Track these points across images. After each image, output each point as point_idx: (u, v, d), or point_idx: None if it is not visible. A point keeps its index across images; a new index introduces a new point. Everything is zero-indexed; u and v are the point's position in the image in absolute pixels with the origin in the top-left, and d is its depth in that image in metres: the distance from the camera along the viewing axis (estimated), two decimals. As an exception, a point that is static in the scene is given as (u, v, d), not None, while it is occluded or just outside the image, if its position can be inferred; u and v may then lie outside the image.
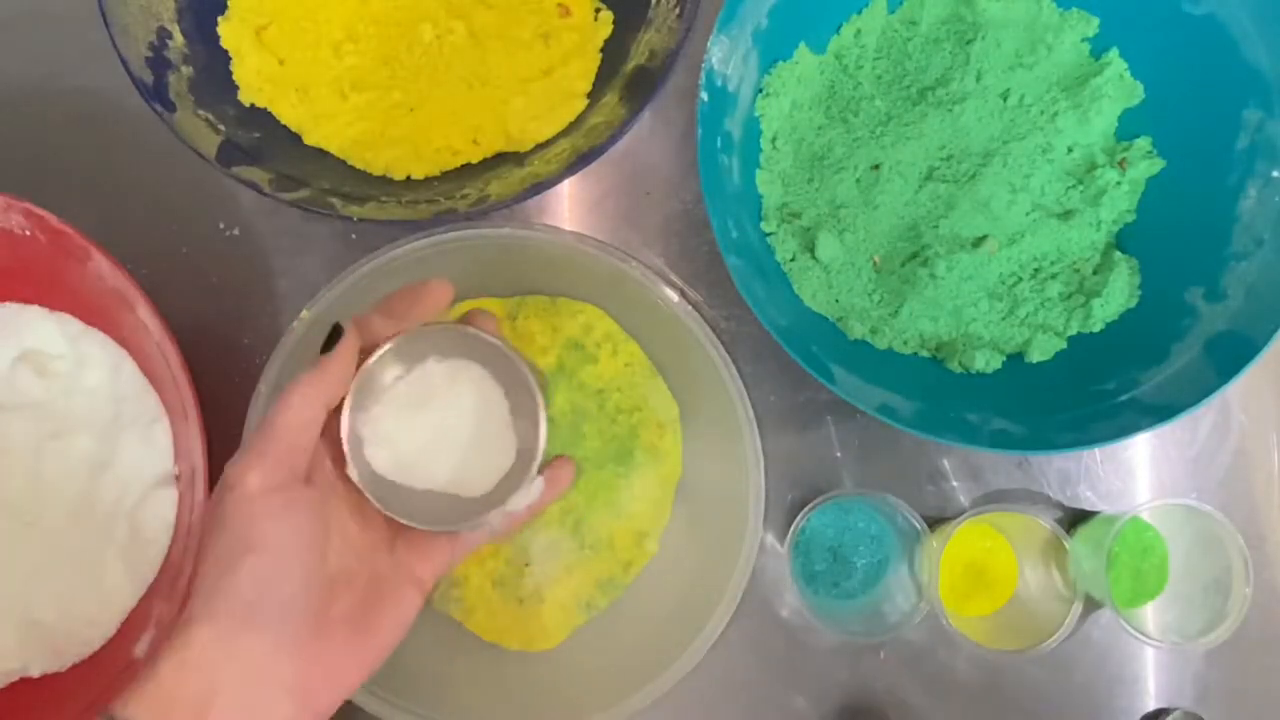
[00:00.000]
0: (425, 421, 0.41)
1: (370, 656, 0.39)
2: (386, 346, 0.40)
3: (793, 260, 0.55)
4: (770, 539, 0.57)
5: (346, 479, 0.40)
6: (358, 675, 0.39)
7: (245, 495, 0.36)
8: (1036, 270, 0.55)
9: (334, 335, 0.39)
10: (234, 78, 0.56)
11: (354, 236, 0.59)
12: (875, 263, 0.56)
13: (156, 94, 0.51)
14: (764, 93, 0.55)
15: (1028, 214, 0.55)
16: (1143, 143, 0.55)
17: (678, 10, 0.53)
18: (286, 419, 0.38)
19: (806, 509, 0.55)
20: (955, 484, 0.58)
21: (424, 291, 0.41)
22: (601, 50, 0.58)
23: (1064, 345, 0.54)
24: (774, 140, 0.55)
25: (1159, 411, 0.49)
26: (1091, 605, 0.56)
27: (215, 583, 0.36)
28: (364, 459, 0.40)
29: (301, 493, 0.38)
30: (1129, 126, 0.56)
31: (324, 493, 0.39)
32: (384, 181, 0.56)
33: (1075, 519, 0.58)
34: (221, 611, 0.35)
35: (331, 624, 0.38)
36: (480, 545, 0.44)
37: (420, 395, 0.41)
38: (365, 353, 0.40)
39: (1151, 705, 0.57)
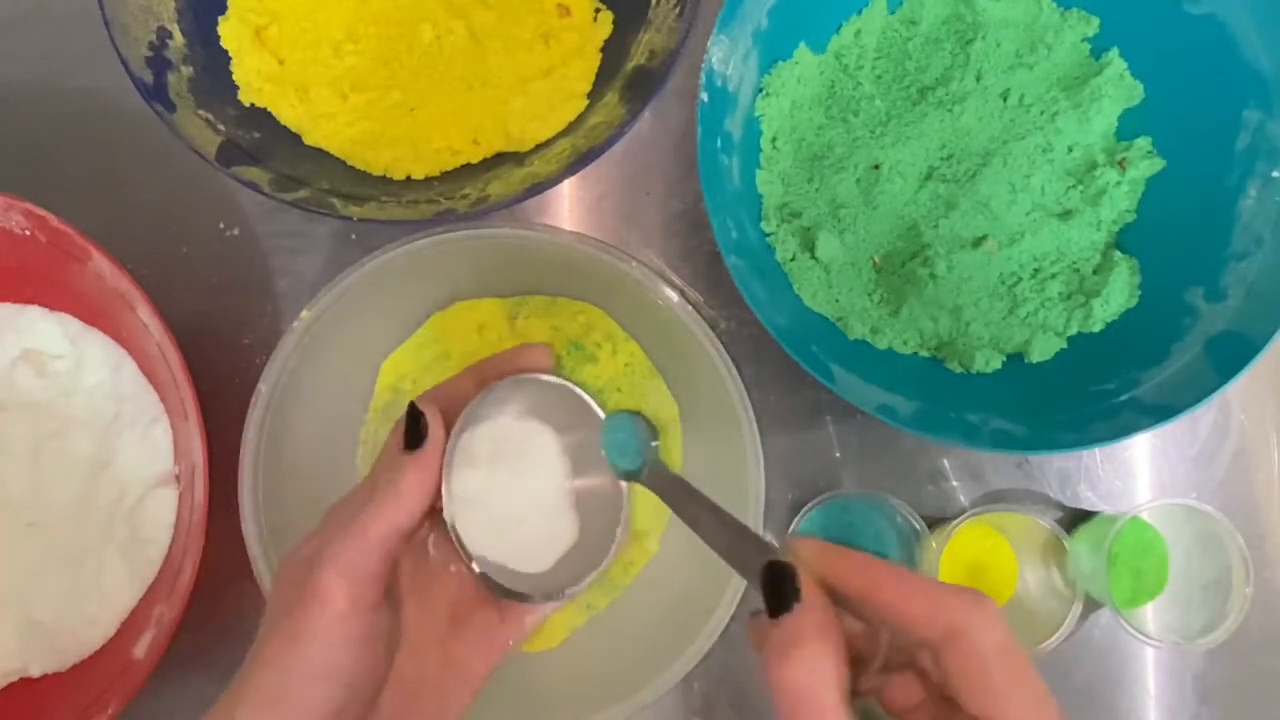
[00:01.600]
0: (509, 483, 0.39)
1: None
2: (471, 405, 0.38)
3: (793, 260, 0.55)
4: (771, 539, 0.57)
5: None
6: None
7: (335, 614, 0.33)
8: (1036, 270, 0.55)
9: (415, 421, 0.36)
10: (234, 78, 0.56)
11: (354, 236, 0.59)
12: (875, 262, 0.56)
13: (156, 94, 0.51)
14: (764, 93, 0.55)
15: (1028, 214, 0.55)
16: (1143, 143, 0.55)
17: (678, 10, 0.53)
18: (392, 523, 0.35)
19: (806, 509, 0.55)
20: (955, 484, 0.58)
21: (521, 354, 0.39)
22: (601, 50, 0.58)
23: (1064, 345, 0.54)
24: (774, 140, 0.55)
25: (1159, 411, 0.49)
26: (1091, 605, 0.56)
27: (276, 690, 0.34)
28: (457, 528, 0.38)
29: (382, 620, 0.35)
30: (1129, 126, 0.56)
31: (398, 601, 0.37)
32: (384, 181, 0.56)
33: (1075, 519, 0.58)
34: (281, 712, 0.34)
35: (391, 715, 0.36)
36: (536, 628, 0.42)
37: (500, 452, 0.39)
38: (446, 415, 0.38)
39: (1151, 705, 0.57)
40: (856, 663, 0.31)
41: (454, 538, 0.37)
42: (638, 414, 0.40)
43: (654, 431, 0.40)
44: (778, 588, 0.30)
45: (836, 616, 0.30)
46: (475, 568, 0.38)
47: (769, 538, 0.57)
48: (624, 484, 0.39)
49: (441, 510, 0.38)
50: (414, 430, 0.36)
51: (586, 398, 0.40)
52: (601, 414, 0.40)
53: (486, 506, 0.39)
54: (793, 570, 0.30)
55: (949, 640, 0.29)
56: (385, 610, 0.36)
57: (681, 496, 0.38)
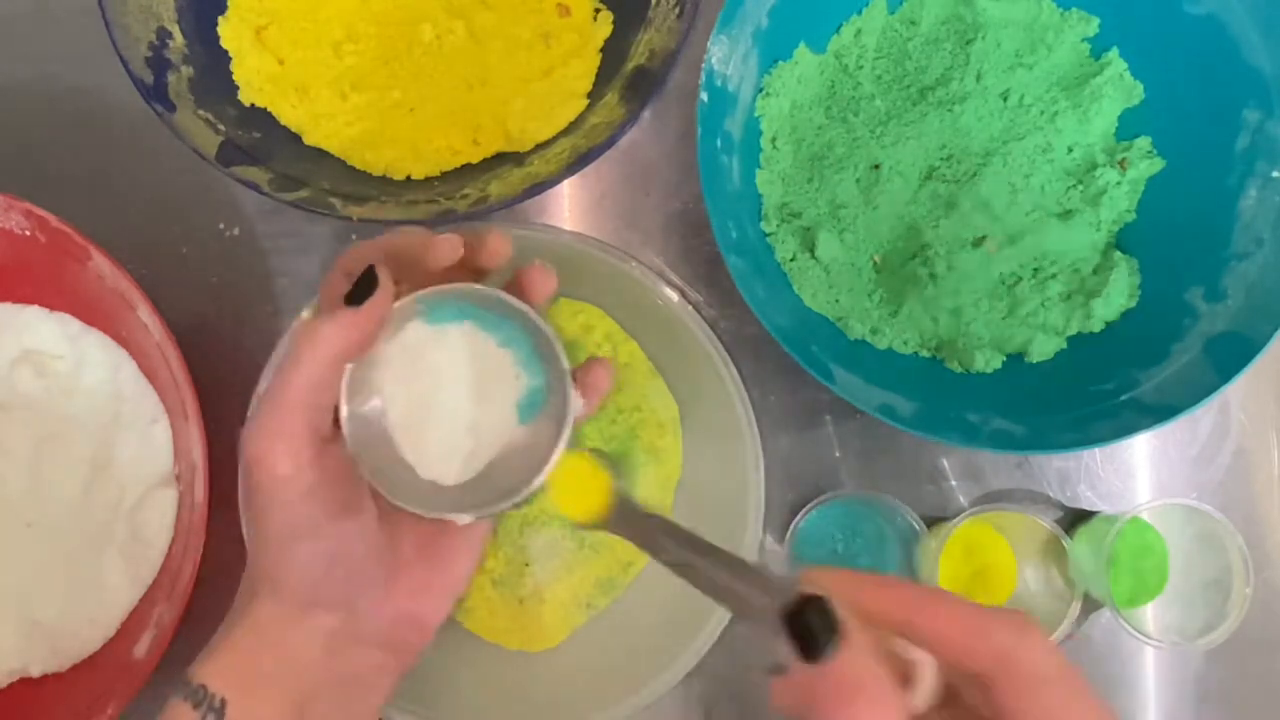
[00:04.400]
0: (419, 392, 0.37)
1: (451, 584, 0.38)
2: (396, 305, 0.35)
3: (793, 260, 0.55)
4: (770, 539, 0.57)
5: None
6: (443, 605, 0.38)
7: (278, 481, 0.33)
8: (1036, 270, 0.55)
9: (366, 284, 0.34)
10: (234, 78, 0.56)
11: (354, 236, 0.59)
12: (875, 262, 0.56)
13: (156, 94, 0.51)
14: (764, 93, 0.55)
15: (1028, 214, 0.55)
16: (1143, 143, 0.55)
17: (678, 10, 0.53)
18: (299, 383, 0.33)
19: (806, 509, 0.55)
20: (955, 484, 0.58)
21: (431, 246, 0.34)
22: (601, 50, 0.58)
23: (1064, 345, 0.54)
24: (774, 140, 0.55)
25: (1159, 411, 0.49)
26: (1091, 605, 0.56)
27: (274, 568, 0.35)
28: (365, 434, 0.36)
29: (333, 456, 0.35)
30: (1129, 126, 0.56)
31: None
32: (384, 181, 0.56)
33: (1075, 519, 0.58)
34: (287, 592, 0.35)
35: (403, 565, 0.37)
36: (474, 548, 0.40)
37: (411, 362, 0.37)
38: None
39: (1151, 705, 0.57)
40: None
41: (349, 452, 0.35)
42: (596, 452, 0.37)
43: (619, 470, 0.37)
44: (810, 627, 0.26)
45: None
46: (365, 472, 0.36)
47: (769, 538, 0.57)
48: (571, 406, 0.35)
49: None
50: (362, 288, 0.34)
51: (551, 336, 0.36)
52: (565, 363, 0.36)
53: (402, 413, 0.37)
54: (828, 603, 0.26)
55: (1002, 669, 0.26)
56: (339, 447, 0.35)
57: (661, 539, 0.34)
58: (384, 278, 0.34)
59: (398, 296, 0.35)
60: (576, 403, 0.36)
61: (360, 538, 0.35)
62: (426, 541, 0.38)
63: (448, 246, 0.34)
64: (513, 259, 0.37)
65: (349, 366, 0.35)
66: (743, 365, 0.53)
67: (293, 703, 0.35)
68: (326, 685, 0.35)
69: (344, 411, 0.35)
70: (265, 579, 0.35)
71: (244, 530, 0.42)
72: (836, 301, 0.55)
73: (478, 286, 0.36)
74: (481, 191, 0.53)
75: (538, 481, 0.35)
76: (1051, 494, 0.58)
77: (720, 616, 0.52)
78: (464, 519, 0.36)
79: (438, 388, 0.37)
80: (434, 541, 0.38)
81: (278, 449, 0.33)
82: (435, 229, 0.36)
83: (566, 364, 0.36)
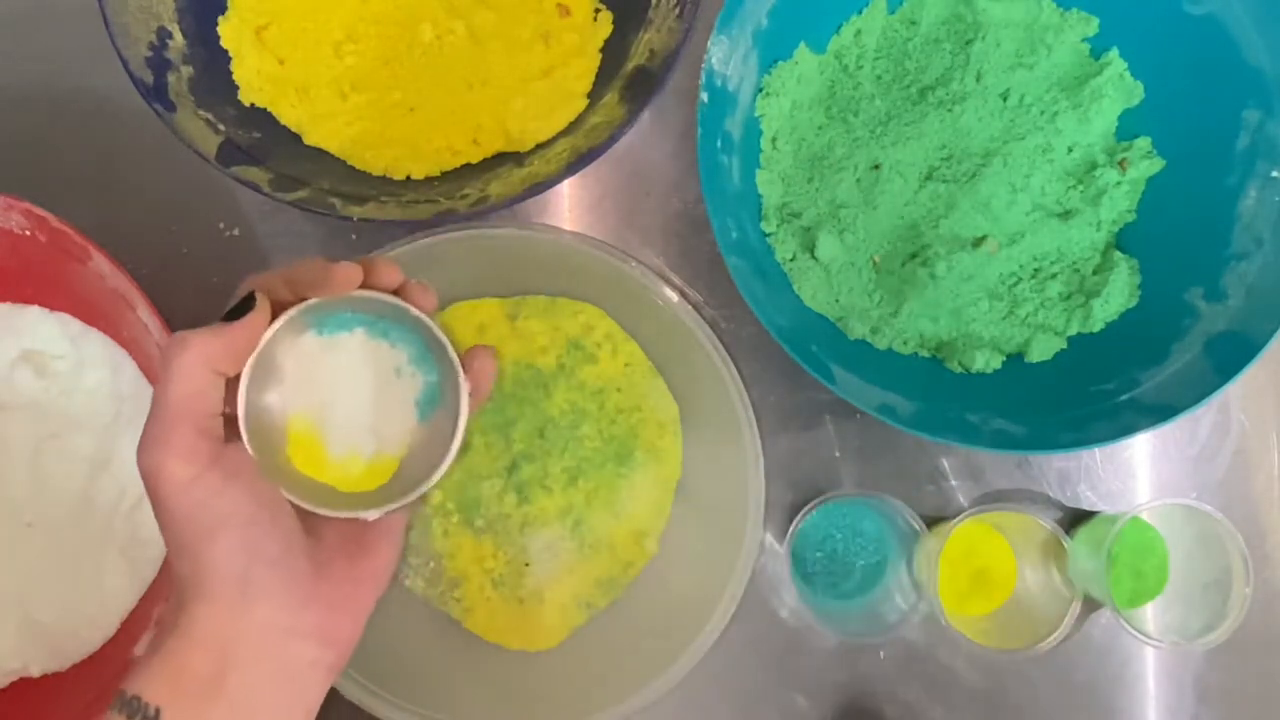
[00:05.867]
0: (319, 400, 0.39)
1: (375, 574, 0.38)
2: (285, 318, 0.37)
3: (793, 260, 0.55)
4: (770, 539, 0.57)
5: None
6: (370, 594, 0.38)
7: (180, 486, 0.34)
8: (1036, 270, 0.55)
9: (244, 303, 0.36)
10: (234, 78, 0.56)
11: (354, 236, 0.59)
12: (875, 263, 0.56)
13: (156, 94, 0.51)
14: (764, 93, 0.55)
15: (1028, 214, 0.55)
16: (1143, 143, 0.55)
17: (678, 10, 0.53)
18: (175, 393, 0.34)
19: (806, 509, 0.55)
20: (955, 484, 0.58)
21: (330, 274, 0.36)
22: (601, 50, 0.58)
23: (1064, 345, 0.54)
24: (774, 140, 0.55)
25: (1159, 411, 0.49)
26: (1091, 605, 0.56)
27: (195, 568, 0.35)
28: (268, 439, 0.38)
29: (234, 456, 0.36)
30: (1129, 126, 0.56)
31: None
32: (384, 181, 0.56)
33: (1075, 519, 0.58)
34: (213, 591, 0.35)
35: (328, 556, 0.37)
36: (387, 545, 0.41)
37: (307, 371, 0.39)
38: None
39: (1151, 705, 0.57)
40: None
41: (246, 442, 0.37)
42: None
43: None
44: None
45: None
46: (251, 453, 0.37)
47: (769, 538, 0.57)
48: (463, 402, 0.38)
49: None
50: (240, 306, 0.36)
51: (439, 333, 0.38)
52: (455, 358, 0.38)
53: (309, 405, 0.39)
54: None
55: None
56: (236, 445, 0.36)
57: None
58: (262, 300, 0.36)
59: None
60: (467, 395, 0.38)
61: (279, 530, 0.36)
62: (347, 534, 0.38)
63: (345, 274, 0.36)
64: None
65: (247, 373, 0.36)
66: (743, 365, 0.53)
67: (229, 702, 0.34)
68: (263, 681, 0.35)
69: (242, 414, 0.36)
70: (189, 584, 0.35)
71: (168, 552, 0.41)
72: (836, 301, 0.55)
73: (364, 293, 0.38)
74: (481, 191, 0.53)
75: (438, 474, 0.38)
76: (1051, 494, 0.58)
77: (720, 616, 0.52)
78: (371, 515, 0.38)
79: (335, 394, 0.39)
80: (354, 534, 0.39)
81: (170, 458, 0.34)
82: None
83: (456, 359, 0.38)
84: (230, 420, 0.37)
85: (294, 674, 0.36)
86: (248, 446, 0.36)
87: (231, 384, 0.37)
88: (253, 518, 0.35)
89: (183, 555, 0.35)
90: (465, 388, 0.38)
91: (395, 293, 0.39)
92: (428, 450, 0.39)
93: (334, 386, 0.39)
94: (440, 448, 0.38)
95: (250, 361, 0.36)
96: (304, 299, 0.37)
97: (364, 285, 0.38)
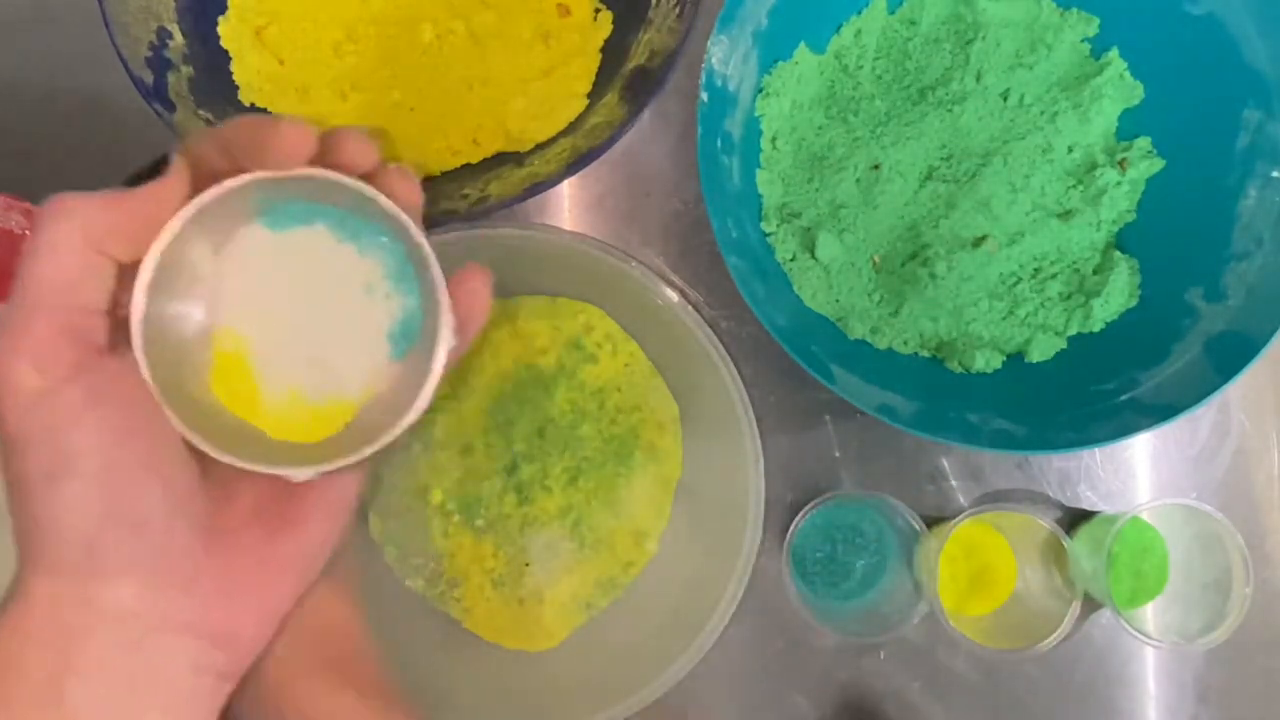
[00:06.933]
0: (256, 314, 0.29)
1: (299, 558, 0.29)
2: (214, 193, 0.27)
3: (793, 260, 0.55)
4: (770, 539, 0.57)
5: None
6: (288, 585, 0.29)
7: (26, 397, 0.25)
8: (1036, 270, 0.55)
9: (153, 167, 0.27)
10: (234, 78, 0.56)
11: (354, 236, 0.59)
12: (875, 263, 0.56)
13: (156, 94, 0.51)
14: (764, 93, 0.55)
15: (1028, 214, 0.55)
16: (1143, 143, 0.55)
17: (678, 10, 0.53)
18: (41, 274, 0.25)
19: (806, 509, 0.55)
20: (955, 484, 0.58)
21: (270, 136, 0.26)
22: (601, 50, 0.58)
23: (1064, 345, 0.54)
24: (774, 140, 0.55)
25: (1159, 411, 0.49)
26: (1091, 605, 0.56)
27: (34, 522, 0.26)
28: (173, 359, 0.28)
29: (110, 371, 0.26)
30: (1129, 126, 0.56)
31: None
32: (384, 181, 0.56)
33: (1075, 519, 0.58)
34: (55, 560, 0.26)
35: (231, 529, 0.28)
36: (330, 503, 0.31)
37: (242, 273, 0.29)
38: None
39: (1151, 705, 0.57)
40: None
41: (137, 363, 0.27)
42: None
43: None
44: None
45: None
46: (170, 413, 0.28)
47: (769, 538, 0.57)
48: (427, 251, 0.29)
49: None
50: (147, 171, 0.27)
51: (412, 230, 0.29)
52: (441, 281, 0.29)
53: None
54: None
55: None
56: (116, 358, 0.27)
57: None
58: (179, 164, 0.27)
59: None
60: (449, 333, 0.29)
61: (156, 481, 0.26)
62: (269, 499, 0.29)
63: (294, 136, 0.26)
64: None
65: (152, 261, 0.27)
66: (743, 365, 0.53)
67: (67, 718, 0.26)
68: (116, 690, 0.26)
69: (137, 317, 0.27)
70: (26, 541, 0.26)
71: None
72: (836, 301, 0.55)
73: (329, 174, 0.28)
74: (481, 191, 0.53)
75: (399, 428, 0.28)
76: (1051, 494, 0.58)
77: (720, 616, 0.52)
78: (299, 475, 0.28)
79: (281, 308, 0.30)
80: (278, 502, 0.29)
81: (15, 358, 0.25)
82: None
83: (440, 278, 0.29)
84: (123, 325, 0.27)
85: (164, 683, 0.27)
86: (141, 362, 0.27)
87: (128, 274, 0.27)
88: (117, 460, 0.26)
89: (23, 498, 0.26)
90: (448, 318, 0.29)
91: (368, 179, 0.28)
92: (396, 398, 0.29)
93: (280, 298, 0.29)
94: (406, 395, 0.29)
95: (158, 247, 0.27)
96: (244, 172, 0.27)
97: (327, 164, 0.28)
